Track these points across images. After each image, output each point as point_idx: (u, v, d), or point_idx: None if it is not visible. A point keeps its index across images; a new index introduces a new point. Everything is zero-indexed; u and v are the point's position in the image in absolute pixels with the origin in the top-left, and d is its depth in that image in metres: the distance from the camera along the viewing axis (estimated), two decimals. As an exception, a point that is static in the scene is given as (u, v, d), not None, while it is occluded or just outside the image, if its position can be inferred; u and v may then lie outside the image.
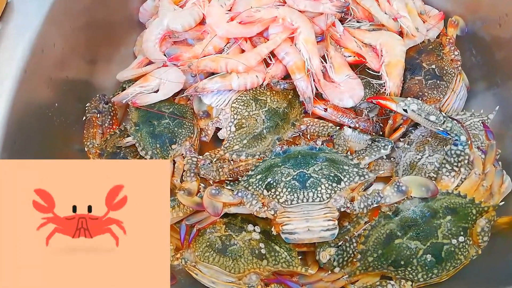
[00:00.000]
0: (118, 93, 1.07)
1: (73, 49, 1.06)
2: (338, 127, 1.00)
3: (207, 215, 0.85)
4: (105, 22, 1.17)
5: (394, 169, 0.99)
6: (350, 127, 1.01)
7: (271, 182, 0.83)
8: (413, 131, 1.02)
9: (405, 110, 0.94)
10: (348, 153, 0.93)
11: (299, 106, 1.05)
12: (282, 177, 0.83)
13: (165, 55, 1.10)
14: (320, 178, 0.82)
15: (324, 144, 0.91)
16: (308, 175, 0.82)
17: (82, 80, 1.10)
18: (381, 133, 1.03)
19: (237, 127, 0.95)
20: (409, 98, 0.94)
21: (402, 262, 0.80)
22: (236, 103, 0.98)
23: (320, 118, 1.05)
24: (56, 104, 0.95)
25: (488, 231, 0.82)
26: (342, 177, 0.83)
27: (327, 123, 1.01)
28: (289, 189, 0.81)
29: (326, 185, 0.81)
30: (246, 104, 0.98)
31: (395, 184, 0.83)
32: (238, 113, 0.97)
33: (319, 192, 0.80)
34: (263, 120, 0.97)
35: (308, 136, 1.01)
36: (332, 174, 0.82)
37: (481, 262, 0.83)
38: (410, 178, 0.85)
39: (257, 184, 0.84)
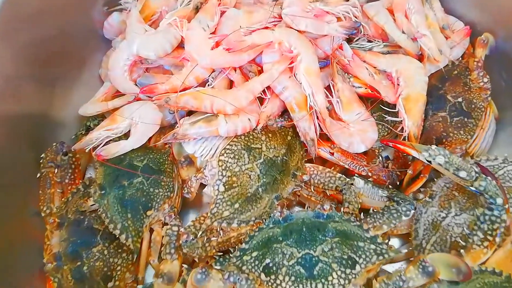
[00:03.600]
0: (81, 133, 0.89)
1: (22, 74, 0.86)
2: (348, 180, 0.83)
3: (193, 304, 0.70)
4: (63, 39, 0.95)
5: (413, 227, 0.84)
6: (360, 175, 0.85)
7: (271, 265, 0.69)
8: (435, 179, 0.86)
9: (429, 161, 0.78)
10: (363, 221, 0.76)
11: (300, 149, 0.88)
12: (283, 259, 0.68)
13: (136, 84, 0.90)
14: (330, 263, 0.67)
15: (333, 208, 0.75)
16: (316, 258, 0.68)
17: (35, 115, 0.91)
18: (398, 183, 0.87)
19: (226, 186, 0.78)
20: (434, 148, 0.77)
21: None
22: (225, 155, 0.80)
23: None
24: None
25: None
26: (357, 258, 0.68)
27: (334, 173, 0.84)
28: (292, 278, 0.67)
29: (339, 272, 0.67)
30: (237, 156, 0.80)
31: (419, 263, 0.69)
32: (227, 168, 0.79)
33: (330, 282, 0.66)
34: (258, 175, 0.80)
35: (312, 187, 0.85)
36: (345, 257, 0.68)
37: None
38: (437, 256, 0.71)
39: (253, 265, 0.70)
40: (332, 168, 0.88)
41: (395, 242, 0.89)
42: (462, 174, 0.76)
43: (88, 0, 0.97)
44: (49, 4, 0.90)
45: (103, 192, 0.77)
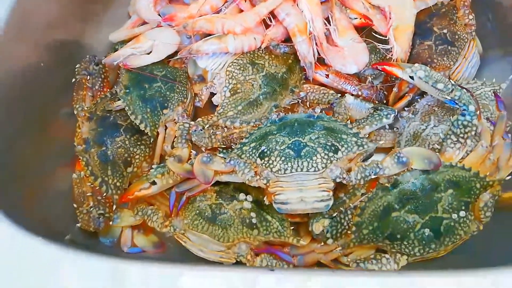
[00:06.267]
0: (110, 54, 1.03)
1: (61, 8, 1.00)
2: (339, 95, 0.94)
3: (197, 182, 0.82)
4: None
5: (396, 140, 0.94)
6: (352, 94, 0.96)
7: (265, 150, 0.79)
8: (419, 100, 0.96)
9: (412, 77, 0.87)
10: (348, 121, 0.87)
11: (299, 72, 0.99)
12: (276, 145, 0.79)
13: (159, 15, 1.04)
14: (316, 147, 0.77)
15: (323, 112, 0.86)
16: (304, 143, 0.78)
17: (71, 41, 1.05)
18: (385, 101, 0.97)
19: (232, 92, 0.90)
20: (416, 64, 0.87)
21: (399, 236, 0.77)
22: (232, 66, 0.93)
23: (321, 84, 0.99)
24: (42, 64, 0.90)
25: (492, 206, 0.78)
26: (340, 147, 0.78)
27: (328, 90, 0.95)
28: (283, 158, 0.77)
29: (322, 154, 0.77)
30: (242, 68, 0.93)
31: (395, 155, 0.78)
32: (233, 77, 0.92)
33: (314, 161, 0.76)
34: (259, 85, 0.92)
35: (308, 103, 0.96)
36: (329, 143, 0.78)
37: (482, 238, 0.80)
38: (412, 149, 0.80)
39: (251, 152, 0.81)
40: (328, 92, 0.99)
41: (380, 157, 0.98)
42: (440, 86, 0.85)
43: None
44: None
45: (127, 91, 0.91)
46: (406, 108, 0.96)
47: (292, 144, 0.79)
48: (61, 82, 0.98)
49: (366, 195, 0.81)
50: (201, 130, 0.86)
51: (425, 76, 0.86)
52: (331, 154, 0.77)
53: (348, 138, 0.80)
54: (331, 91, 0.95)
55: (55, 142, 0.92)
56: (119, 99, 0.93)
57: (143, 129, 0.89)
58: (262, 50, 0.96)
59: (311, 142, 0.78)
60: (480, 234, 0.79)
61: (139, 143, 0.91)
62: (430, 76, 0.86)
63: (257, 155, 0.80)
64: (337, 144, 0.79)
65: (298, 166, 0.76)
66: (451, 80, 0.86)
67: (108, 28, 1.12)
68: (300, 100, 0.96)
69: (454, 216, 0.77)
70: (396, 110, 0.90)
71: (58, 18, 1.01)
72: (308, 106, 0.96)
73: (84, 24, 1.09)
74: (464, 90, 0.85)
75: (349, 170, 0.79)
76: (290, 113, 0.90)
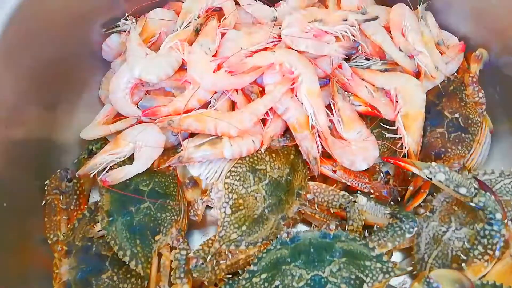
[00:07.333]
0: (84, 157, 0.89)
1: (25, 99, 0.85)
2: (351, 197, 0.85)
3: (205, 329, 0.71)
4: (62, 62, 0.94)
5: (414, 242, 0.86)
6: (362, 191, 0.87)
7: (280, 287, 0.69)
8: (435, 194, 0.88)
9: (430, 178, 0.80)
10: (369, 241, 0.78)
11: (303, 167, 0.89)
12: (293, 281, 0.70)
13: (137, 107, 0.91)
14: (339, 283, 0.69)
15: (339, 228, 0.77)
16: (325, 279, 0.69)
17: (37, 140, 0.90)
18: (399, 198, 0.89)
19: (233, 209, 0.79)
20: (434, 165, 0.80)
21: None
22: (231, 178, 0.81)
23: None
24: (5, 204, 0.75)
25: (525, 325, 0.72)
26: (364, 278, 0.70)
27: (338, 191, 0.85)
28: (303, 299, 0.68)
29: (347, 292, 0.68)
30: (242, 179, 0.81)
31: (424, 280, 0.71)
32: (233, 191, 0.80)
33: (339, 302, 0.67)
34: (263, 197, 0.81)
35: (316, 206, 0.86)
36: (353, 277, 0.70)
37: None
38: (441, 272, 0.73)
39: (263, 287, 0.71)
40: (334, 185, 0.90)
41: (397, 256, 0.90)
42: (462, 190, 0.78)
43: (86, 21, 0.96)
44: (48, 27, 0.89)
45: (111, 219, 0.77)
46: (422, 204, 0.88)
47: (311, 280, 0.70)
48: (30, 202, 0.83)
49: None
50: (203, 263, 0.75)
51: (445, 179, 0.79)
52: (356, 290, 0.68)
53: (372, 264, 0.72)
54: (342, 192, 0.85)
55: (30, 277, 0.78)
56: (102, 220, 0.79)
57: (134, 267, 0.75)
58: (262, 152, 0.85)
59: (333, 277, 0.69)
60: None
61: (129, 275, 0.78)
62: (451, 179, 0.79)
63: (270, 291, 0.70)
64: (361, 275, 0.70)
65: (322, 310, 0.67)
66: (473, 182, 0.78)
67: (79, 116, 0.98)
68: (307, 203, 0.86)
69: None
70: (417, 221, 0.81)
71: (20, 112, 0.86)
72: (316, 208, 0.86)
73: (52, 115, 0.94)
74: (488, 194, 0.78)
75: (376, 303, 0.71)
76: (302, 232, 0.79)
